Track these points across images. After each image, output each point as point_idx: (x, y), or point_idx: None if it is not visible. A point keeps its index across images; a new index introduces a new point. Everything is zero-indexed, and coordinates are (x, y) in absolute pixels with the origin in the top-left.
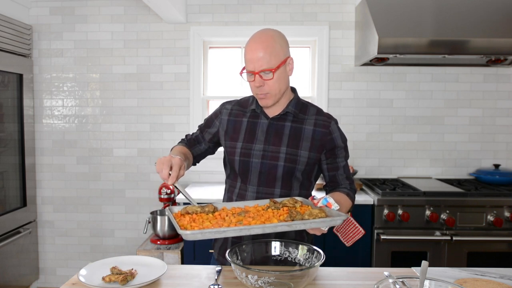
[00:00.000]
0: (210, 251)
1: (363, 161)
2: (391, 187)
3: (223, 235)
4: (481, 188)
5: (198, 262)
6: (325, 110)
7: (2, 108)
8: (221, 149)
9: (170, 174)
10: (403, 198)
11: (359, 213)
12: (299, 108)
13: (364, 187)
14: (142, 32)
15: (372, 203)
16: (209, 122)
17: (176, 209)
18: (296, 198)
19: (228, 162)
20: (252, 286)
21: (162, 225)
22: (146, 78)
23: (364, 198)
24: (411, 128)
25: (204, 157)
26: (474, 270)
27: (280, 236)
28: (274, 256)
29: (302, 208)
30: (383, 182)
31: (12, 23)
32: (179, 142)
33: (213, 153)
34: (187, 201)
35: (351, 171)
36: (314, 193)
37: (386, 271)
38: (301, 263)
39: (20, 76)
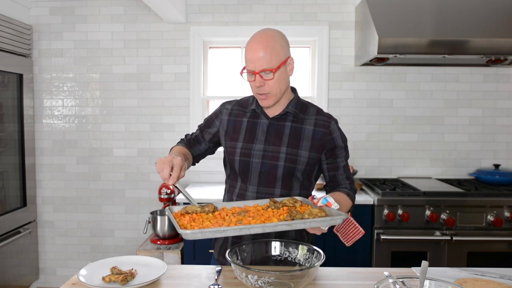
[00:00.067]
0: (210, 251)
1: (363, 161)
2: (391, 187)
3: (223, 235)
4: (481, 188)
5: (198, 262)
6: (325, 110)
7: (2, 108)
8: (221, 149)
9: (171, 175)
10: (403, 198)
11: (359, 213)
12: (299, 108)
13: (364, 187)
14: (142, 32)
15: (372, 203)
16: (209, 122)
17: (176, 209)
18: (296, 197)
19: (228, 162)
20: (252, 286)
21: (162, 225)
22: (146, 78)
23: (364, 198)
24: (411, 128)
25: (203, 157)
26: (474, 270)
27: (280, 236)
28: (274, 256)
29: (302, 208)
30: (383, 182)
31: (12, 23)
32: (179, 142)
33: (212, 153)
34: (187, 201)
35: (351, 171)
36: (314, 193)
37: (386, 271)
38: (301, 263)
39: (20, 76)
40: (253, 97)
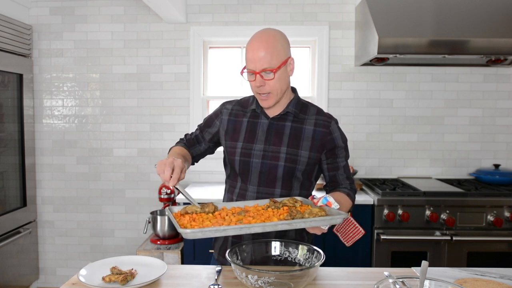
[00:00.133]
0: (210, 251)
1: (363, 161)
2: (391, 187)
3: (223, 234)
4: (481, 188)
5: (198, 262)
6: (325, 110)
7: (2, 108)
8: (220, 149)
9: (171, 176)
10: (403, 198)
11: (359, 213)
12: (300, 108)
13: (364, 187)
14: (142, 32)
15: (372, 203)
16: (209, 121)
17: (176, 209)
18: (296, 197)
19: (228, 162)
20: (252, 286)
21: (162, 225)
22: (146, 78)
23: (364, 198)
24: (411, 128)
25: (203, 157)
26: (474, 270)
27: (280, 236)
28: (274, 256)
29: (302, 208)
30: (383, 182)
31: (12, 23)
32: (178, 142)
33: (212, 153)
34: (187, 201)
35: (351, 171)
36: (314, 193)
37: (386, 271)
38: (301, 263)
39: (20, 76)
40: (253, 97)
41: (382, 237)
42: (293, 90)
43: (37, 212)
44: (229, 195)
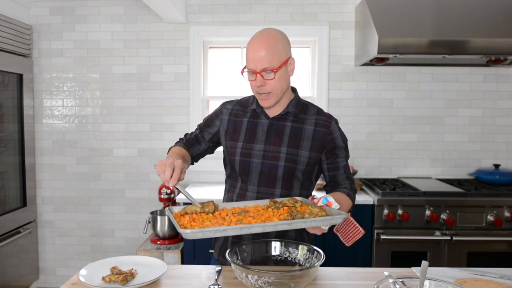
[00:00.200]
0: (210, 251)
1: (363, 161)
2: (391, 187)
3: (224, 234)
4: (481, 188)
5: (198, 262)
6: (325, 110)
7: (2, 108)
8: (220, 149)
9: (172, 177)
10: (403, 198)
11: (359, 213)
12: (300, 108)
13: (364, 187)
14: (142, 32)
15: (372, 203)
16: (209, 121)
17: (176, 209)
18: (296, 198)
19: (228, 162)
20: (252, 286)
21: (162, 225)
22: (146, 78)
23: (364, 198)
24: (411, 128)
25: (203, 156)
26: (474, 270)
27: (280, 236)
28: (274, 256)
29: (302, 208)
30: (383, 182)
31: (12, 23)
32: (177, 142)
33: (212, 152)
34: (188, 201)
35: (351, 171)
36: (314, 193)
37: (386, 271)
38: (301, 263)
39: (20, 76)
40: (253, 97)
41: (382, 237)
42: (293, 90)
43: (37, 212)
44: (229, 195)
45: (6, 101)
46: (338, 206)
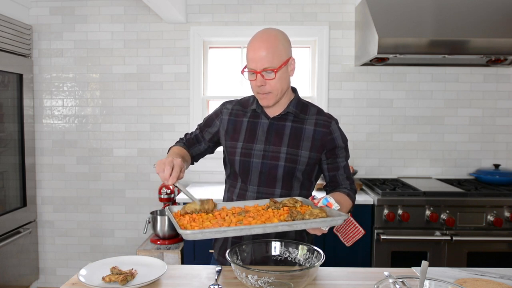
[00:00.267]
0: (210, 251)
1: (363, 161)
2: (391, 187)
3: (224, 235)
4: (481, 188)
5: (198, 262)
6: (325, 110)
7: (2, 108)
8: (220, 149)
9: (171, 175)
10: (403, 198)
11: (359, 213)
12: (300, 108)
13: (364, 187)
14: (142, 32)
15: (372, 203)
16: (209, 121)
17: (176, 208)
18: (296, 198)
19: (228, 162)
20: (252, 286)
21: (162, 225)
22: (146, 78)
23: (364, 198)
24: (411, 128)
25: (202, 156)
26: (474, 270)
27: (280, 236)
28: (274, 256)
29: (302, 208)
30: (383, 182)
31: (12, 23)
32: (177, 142)
33: (212, 152)
34: (188, 201)
35: (351, 171)
36: (314, 193)
37: (386, 271)
38: (301, 263)
39: (20, 76)
40: (253, 97)
41: (382, 237)
42: (294, 90)
43: (37, 212)
44: (229, 195)
45: (6, 101)
46: (339, 207)
